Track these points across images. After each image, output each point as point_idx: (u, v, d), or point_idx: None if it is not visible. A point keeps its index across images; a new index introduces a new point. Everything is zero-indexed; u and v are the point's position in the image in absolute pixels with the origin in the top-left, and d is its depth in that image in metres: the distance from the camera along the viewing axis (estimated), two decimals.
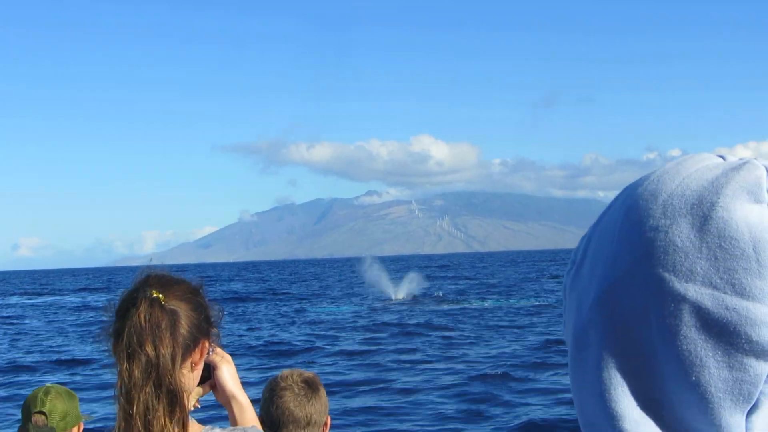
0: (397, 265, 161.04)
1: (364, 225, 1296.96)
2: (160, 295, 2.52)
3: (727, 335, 1.04)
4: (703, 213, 1.07)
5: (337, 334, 34.35)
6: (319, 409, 3.97)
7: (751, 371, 1.03)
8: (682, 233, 1.07)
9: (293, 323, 40.60)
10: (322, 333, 34.96)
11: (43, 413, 4.71)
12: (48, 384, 5.01)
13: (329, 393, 3.87)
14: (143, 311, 2.47)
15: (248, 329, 37.65)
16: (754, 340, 1.03)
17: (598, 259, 1.09)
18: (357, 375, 22.66)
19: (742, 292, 1.03)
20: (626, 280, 1.06)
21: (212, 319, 2.69)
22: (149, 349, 2.44)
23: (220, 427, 2.64)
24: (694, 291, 1.04)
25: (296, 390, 3.94)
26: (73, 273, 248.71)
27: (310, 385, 3.99)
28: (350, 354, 27.44)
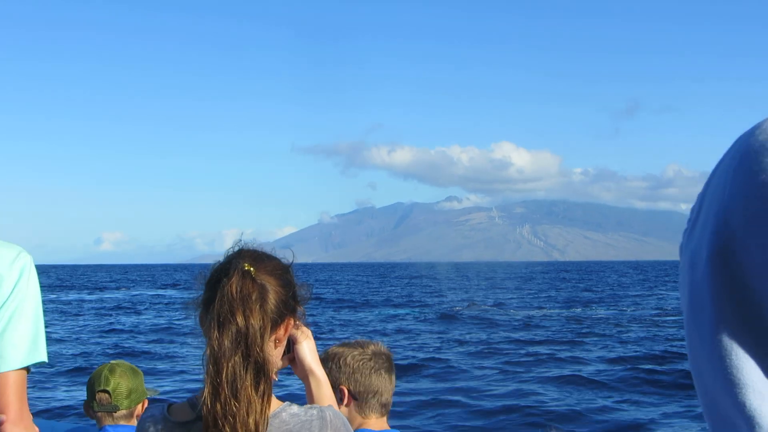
0: (482, 273, 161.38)
1: (444, 230, 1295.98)
2: (252, 268, 2.57)
3: None
4: None
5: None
6: (390, 386, 3.94)
7: None
8: None
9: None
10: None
11: (107, 392, 4.67)
12: (113, 361, 4.97)
13: None
14: (235, 282, 2.52)
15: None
16: None
17: (710, 215, 1.02)
18: None
19: None
20: (740, 237, 0.97)
21: (299, 298, 2.71)
22: (240, 319, 2.49)
23: (298, 405, 2.67)
24: None
25: (381, 360, 3.91)
26: (154, 268, 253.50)
27: (391, 361, 3.96)
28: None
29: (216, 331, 2.49)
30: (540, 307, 52.25)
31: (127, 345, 31.41)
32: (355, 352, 3.89)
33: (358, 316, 45.95)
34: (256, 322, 2.51)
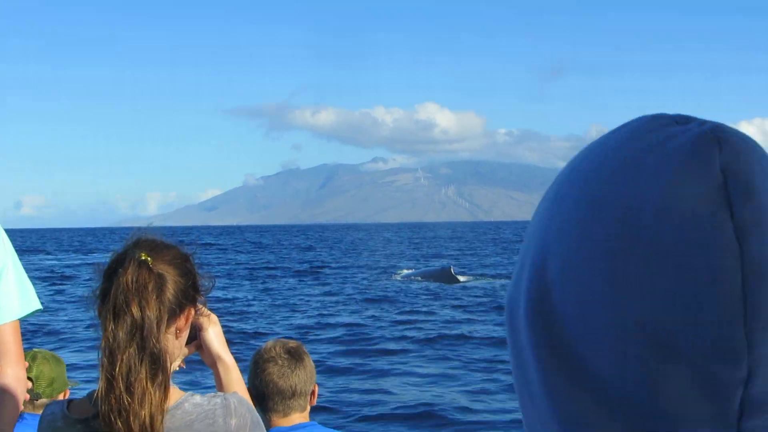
0: (407, 234, 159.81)
1: (369, 191, 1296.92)
2: (149, 258, 2.52)
3: None
4: None
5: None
6: (305, 378, 3.90)
7: None
8: None
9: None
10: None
11: (30, 379, 4.39)
12: (35, 349, 4.83)
13: None
14: (131, 272, 2.47)
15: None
16: None
17: (527, 258, 0.95)
18: None
19: None
20: (558, 286, 0.86)
21: (200, 288, 2.67)
22: (135, 310, 2.43)
23: (200, 394, 2.61)
24: None
25: (279, 362, 3.87)
26: (73, 232, 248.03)
27: (294, 355, 3.92)
28: None
29: (111, 323, 2.43)
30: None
31: (48, 325, 28.35)
32: (255, 356, 3.95)
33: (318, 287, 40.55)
34: (152, 313, 2.45)
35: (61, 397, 4.61)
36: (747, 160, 0.76)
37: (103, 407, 2.43)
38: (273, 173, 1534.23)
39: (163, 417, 2.44)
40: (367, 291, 37.04)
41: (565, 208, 0.85)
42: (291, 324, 25.66)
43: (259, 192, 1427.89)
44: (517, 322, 0.88)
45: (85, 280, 44.44)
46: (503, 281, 41.75)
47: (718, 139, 0.77)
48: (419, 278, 42.19)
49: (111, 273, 2.52)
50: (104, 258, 2.59)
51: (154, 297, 2.47)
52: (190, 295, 2.60)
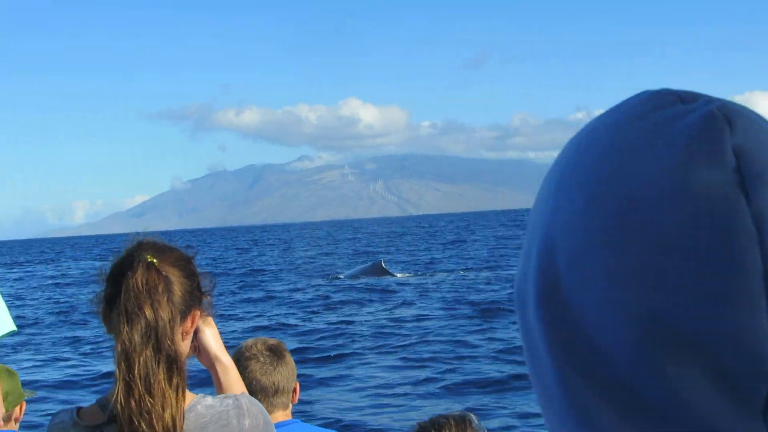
0: (341, 232, 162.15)
1: (297, 190, 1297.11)
2: (155, 260, 2.52)
3: None
4: None
5: None
6: (287, 375, 3.92)
7: None
8: None
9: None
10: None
11: None
12: None
13: None
14: (140, 274, 2.47)
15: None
16: None
17: (533, 248, 0.86)
18: None
19: None
20: (565, 273, 0.78)
21: (203, 289, 2.68)
22: (148, 312, 2.43)
23: (212, 396, 2.63)
24: None
25: (261, 359, 3.89)
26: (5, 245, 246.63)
27: (275, 353, 3.94)
28: None
29: (125, 326, 2.42)
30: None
31: None
32: (236, 354, 3.88)
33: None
34: (165, 314, 2.45)
35: (17, 410, 4.49)
36: (760, 140, 0.72)
37: (122, 411, 2.41)
38: (200, 176, 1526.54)
39: (183, 419, 2.45)
40: (305, 292, 38.12)
41: (568, 197, 0.82)
42: (235, 331, 25.55)
43: (187, 196, 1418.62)
44: (528, 315, 0.87)
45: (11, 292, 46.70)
46: (440, 275, 43.78)
47: (728, 119, 0.71)
48: (355, 276, 44.20)
49: (117, 276, 2.51)
50: (104, 264, 2.56)
51: (165, 298, 2.47)
52: (195, 296, 2.62)
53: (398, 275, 43.96)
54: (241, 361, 3.80)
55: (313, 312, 29.96)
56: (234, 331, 25.60)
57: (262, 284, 45.11)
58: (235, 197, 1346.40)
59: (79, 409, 2.58)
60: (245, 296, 38.09)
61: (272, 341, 4.04)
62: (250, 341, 4.01)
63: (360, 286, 38.96)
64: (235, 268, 61.36)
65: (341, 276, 45.74)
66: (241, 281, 47.76)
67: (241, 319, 29.07)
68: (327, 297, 35.02)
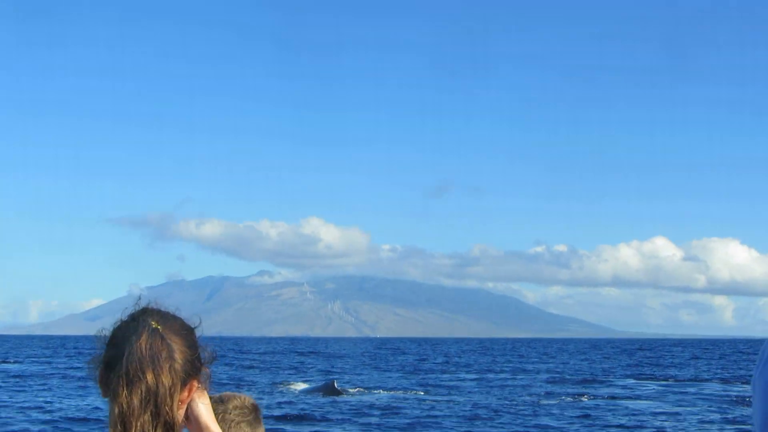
0: (295, 347, 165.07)
1: (255, 304, 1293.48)
2: (160, 327, 2.59)
3: None
4: None
5: None
6: None
7: None
8: None
9: None
10: None
11: None
12: None
13: None
14: (145, 340, 2.52)
15: None
16: None
17: None
18: None
19: None
20: None
21: (203, 361, 2.70)
22: (150, 377, 2.43)
23: None
24: None
25: (250, 417, 3.84)
26: None
27: (257, 412, 3.92)
28: None
29: (125, 390, 2.40)
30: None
31: None
32: (218, 409, 3.77)
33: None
34: (166, 380, 2.45)
35: None
36: None
37: None
38: (158, 284, 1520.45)
39: None
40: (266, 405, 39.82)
41: None
42: None
43: (143, 303, 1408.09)
44: None
45: None
46: (381, 393, 46.63)
47: None
48: (310, 392, 46.61)
49: (121, 340, 2.57)
50: (104, 327, 2.59)
51: (168, 365, 2.50)
52: (195, 366, 2.64)
53: (351, 390, 47.59)
54: (230, 423, 3.73)
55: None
56: None
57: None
58: (192, 307, 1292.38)
59: None
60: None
61: (249, 399, 3.98)
62: (227, 395, 3.94)
63: (310, 401, 41.01)
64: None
65: (294, 389, 48.79)
66: None
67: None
68: (281, 409, 36.70)
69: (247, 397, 3.99)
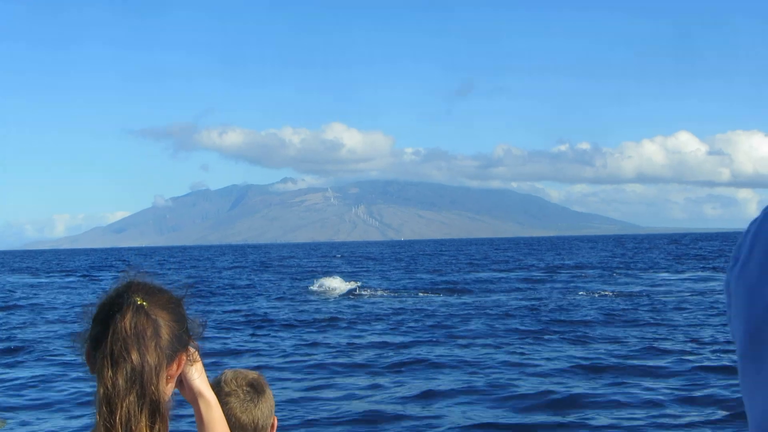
0: (318, 252, 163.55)
1: (280, 212, 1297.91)
2: (145, 303, 2.47)
3: None
4: None
5: None
6: (266, 412, 3.85)
7: None
8: None
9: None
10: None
11: None
12: None
13: None
14: (129, 318, 2.42)
15: None
16: None
17: None
18: None
19: None
20: None
21: (191, 333, 2.64)
22: (134, 356, 2.39)
23: None
24: None
25: (241, 395, 3.81)
26: None
27: (256, 388, 3.86)
28: None
29: (109, 370, 2.38)
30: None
31: None
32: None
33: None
34: (151, 359, 2.41)
35: None
36: None
37: None
38: (182, 194, 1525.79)
39: None
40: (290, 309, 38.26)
41: None
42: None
43: (169, 213, 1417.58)
44: (758, 304, 1.01)
45: None
46: (407, 293, 44.54)
47: None
48: (335, 295, 44.61)
49: (105, 318, 2.45)
50: (90, 302, 2.50)
51: (153, 343, 2.42)
52: (183, 340, 2.58)
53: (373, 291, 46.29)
54: (220, 396, 3.61)
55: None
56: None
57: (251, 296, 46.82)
58: (217, 216, 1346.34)
59: None
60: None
61: (252, 375, 3.92)
62: (229, 375, 3.90)
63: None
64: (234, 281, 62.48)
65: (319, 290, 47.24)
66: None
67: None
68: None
69: (247, 372, 3.95)
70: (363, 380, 18.56)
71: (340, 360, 21.20)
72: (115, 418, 2.36)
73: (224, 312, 34.82)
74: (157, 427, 2.39)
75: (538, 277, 54.98)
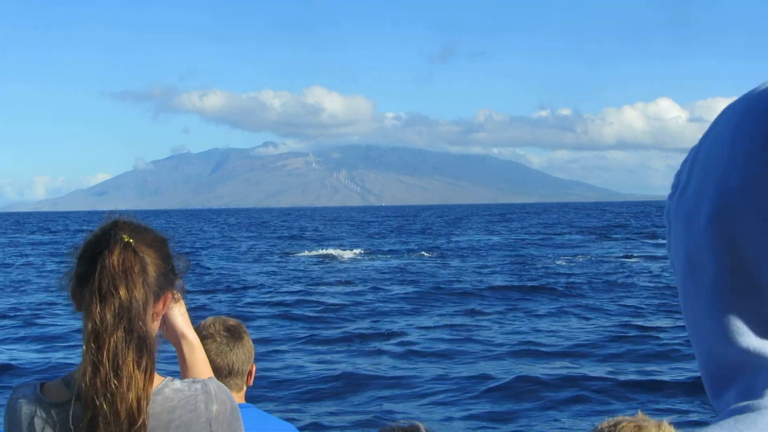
0: (295, 218, 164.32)
1: (261, 176, 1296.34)
2: (132, 240, 2.49)
3: None
4: None
5: None
6: (243, 357, 3.84)
7: None
8: None
9: None
10: None
11: None
12: None
13: None
14: (117, 254, 2.44)
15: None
16: None
17: (708, 180, 1.08)
18: None
19: None
20: (740, 199, 1.03)
21: (177, 271, 2.66)
22: (122, 292, 2.40)
23: (180, 380, 2.60)
24: None
25: (218, 339, 3.81)
26: None
27: (233, 333, 3.86)
28: None
29: (97, 306, 2.40)
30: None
31: None
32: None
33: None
34: (139, 295, 2.43)
35: None
36: None
37: (87, 391, 2.39)
38: (163, 157, 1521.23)
39: (148, 401, 2.43)
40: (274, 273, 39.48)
41: (746, 144, 1.03)
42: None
43: (150, 176, 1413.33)
44: (695, 228, 1.08)
45: None
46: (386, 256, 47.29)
47: None
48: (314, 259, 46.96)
49: (92, 255, 2.48)
50: (77, 241, 2.52)
51: (141, 280, 2.44)
52: (169, 278, 2.59)
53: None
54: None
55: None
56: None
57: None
58: (198, 180, 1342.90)
59: (42, 384, 2.51)
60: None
61: (231, 321, 3.96)
62: (209, 320, 3.92)
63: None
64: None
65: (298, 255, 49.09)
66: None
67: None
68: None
69: (227, 319, 3.99)
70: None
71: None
72: (103, 353, 2.37)
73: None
74: (144, 362, 2.41)
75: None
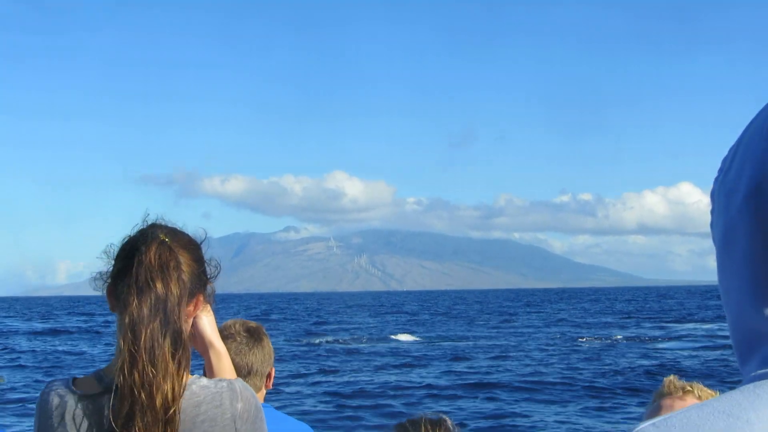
0: (320, 303, 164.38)
1: (282, 260, 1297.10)
2: (168, 240, 2.63)
3: None
4: None
5: None
6: (261, 358, 3.94)
7: None
8: None
9: None
10: None
11: None
12: None
13: None
14: (154, 250, 2.57)
15: None
16: None
17: (747, 160, 1.17)
18: None
19: None
20: None
21: (209, 275, 2.78)
22: (159, 286, 2.51)
23: (206, 378, 2.67)
24: None
25: (238, 339, 3.91)
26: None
27: (253, 334, 3.98)
28: None
29: (135, 299, 2.49)
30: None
31: None
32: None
33: None
34: (175, 289, 2.53)
35: None
36: None
37: (125, 381, 2.46)
38: None
39: (183, 391, 2.51)
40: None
41: None
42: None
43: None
44: (733, 204, 1.19)
45: None
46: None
47: None
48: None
49: (129, 252, 2.61)
50: (112, 243, 2.61)
51: (176, 276, 2.58)
52: (202, 280, 2.73)
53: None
54: None
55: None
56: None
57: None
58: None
59: (74, 378, 2.60)
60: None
61: (252, 324, 4.04)
62: (229, 321, 4.02)
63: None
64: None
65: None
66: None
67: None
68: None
69: (249, 321, 4.09)
70: None
71: None
72: (140, 343, 2.46)
73: None
74: (178, 354, 2.50)
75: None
